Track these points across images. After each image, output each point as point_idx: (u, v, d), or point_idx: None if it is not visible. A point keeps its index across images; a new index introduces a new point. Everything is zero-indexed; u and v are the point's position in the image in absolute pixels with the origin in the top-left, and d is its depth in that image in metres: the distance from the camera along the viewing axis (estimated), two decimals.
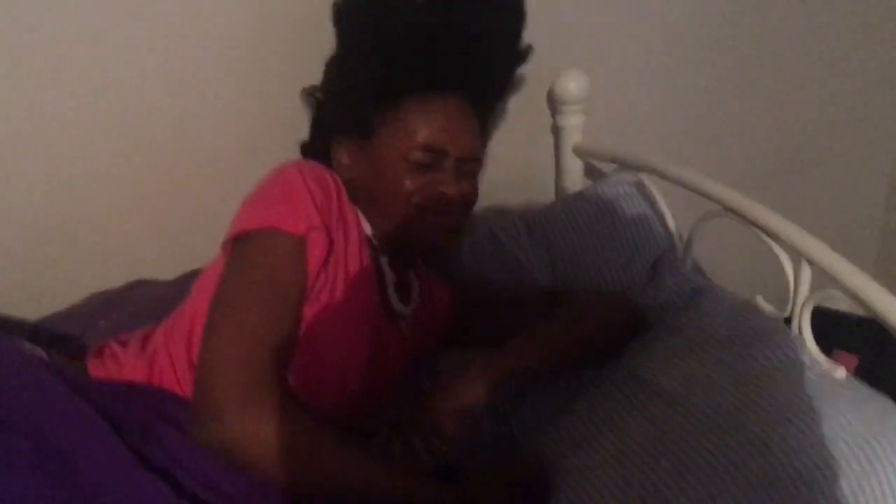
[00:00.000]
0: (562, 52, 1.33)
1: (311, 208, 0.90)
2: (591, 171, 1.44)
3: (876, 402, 0.86)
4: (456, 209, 0.99)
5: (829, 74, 1.68)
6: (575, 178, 1.44)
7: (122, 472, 0.72)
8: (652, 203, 1.23)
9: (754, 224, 0.98)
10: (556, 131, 1.43)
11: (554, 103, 1.39)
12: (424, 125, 0.98)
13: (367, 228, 1.00)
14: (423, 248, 1.02)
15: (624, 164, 1.28)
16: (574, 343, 1.01)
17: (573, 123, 1.39)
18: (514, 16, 1.07)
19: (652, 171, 1.20)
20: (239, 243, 0.90)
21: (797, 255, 0.93)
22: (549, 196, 1.49)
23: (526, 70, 1.14)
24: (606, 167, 1.37)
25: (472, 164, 1.02)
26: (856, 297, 0.84)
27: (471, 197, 1.02)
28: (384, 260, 1.02)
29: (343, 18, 1.06)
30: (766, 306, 1.01)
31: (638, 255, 1.19)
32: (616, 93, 1.49)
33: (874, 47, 1.69)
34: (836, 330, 1.47)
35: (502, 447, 0.96)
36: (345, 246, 0.94)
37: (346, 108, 1.05)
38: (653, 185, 1.24)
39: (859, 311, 0.87)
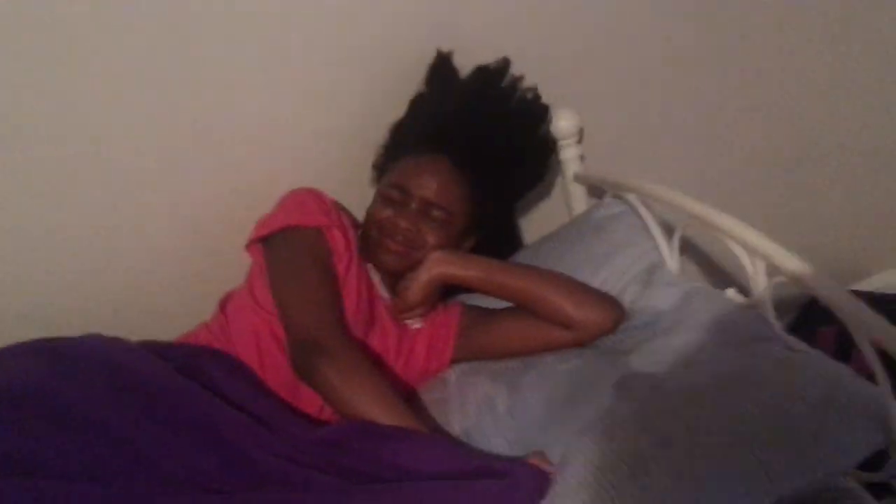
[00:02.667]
0: (557, 91, 1.52)
1: (318, 212, 1.22)
2: (596, 196, 1.61)
3: (826, 364, 1.01)
4: (404, 238, 1.23)
5: (814, 98, 1.84)
6: (580, 204, 1.61)
7: (168, 378, 1.02)
8: (641, 220, 1.40)
9: (714, 228, 1.14)
10: (559, 164, 1.61)
11: None
12: (403, 171, 1.27)
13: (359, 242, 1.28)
14: (379, 266, 1.27)
15: (615, 188, 1.46)
16: (531, 285, 1.22)
17: (570, 155, 1.57)
18: (511, 118, 1.40)
19: (637, 191, 1.38)
20: (268, 244, 1.21)
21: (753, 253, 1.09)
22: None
23: None
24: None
25: (438, 210, 1.25)
26: (797, 282, 1.00)
27: (424, 236, 1.24)
28: (368, 265, 1.28)
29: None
30: (736, 296, 1.17)
31: (631, 268, 1.35)
32: (612, 122, 1.66)
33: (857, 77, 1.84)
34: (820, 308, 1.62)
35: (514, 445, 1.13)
36: (348, 246, 1.23)
37: (377, 159, 1.41)
38: (641, 203, 1.40)
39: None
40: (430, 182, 1.26)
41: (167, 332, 1.23)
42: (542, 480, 0.98)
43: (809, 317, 1.71)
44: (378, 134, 1.43)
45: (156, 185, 1.36)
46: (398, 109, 1.43)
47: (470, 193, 1.30)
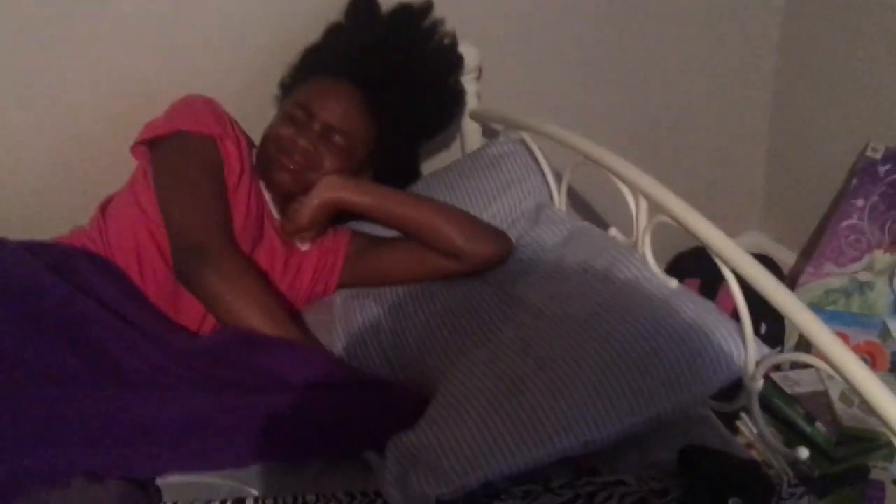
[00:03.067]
0: (458, 27, 1.51)
1: (212, 121, 1.16)
2: (489, 134, 1.63)
3: (693, 300, 1.08)
4: (301, 158, 1.20)
5: (700, 48, 1.92)
6: (475, 141, 1.62)
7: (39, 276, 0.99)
8: (533, 158, 1.42)
9: (603, 166, 1.18)
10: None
11: None
12: (310, 92, 1.24)
13: (253, 159, 1.25)
14: (272, 184, 1.24)
15: (510, 125, 1.47)
16: (423, 215, 1.22)
17: (468, 91, 1.57)
18: (419, 51, 1.38)
19: (531, 129, 1.40)
20: (156, 148, 1.15)
21: (637, 192, 1.14)
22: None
23: None
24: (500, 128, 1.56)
25: (340, 136, 1.23)
26: (676, 220, 1.05)
27: (321, 158, 1.21)
28: (261, 183, 1.25)
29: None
30: (619, 236, 1.22)
31: (520, 204, 1.37)
32: (510, 61, 1.68)
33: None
34: (686, 261, 1.75)
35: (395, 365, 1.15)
36: (240, 159, 1.19)
37: (285, 77, 1.37)
38: (535, 142, 1.43)
39: None
40: (336, 107, 1.23)
41: (40, 233, 1.16)
42: (417, 399, 1.00)
43: (676, 268, 1.82)
44: (283, 57, 1.38)
45: (35, 79, 1.26)
46: (309, 36, 1.38)
47: (374, 126, 1.29)
